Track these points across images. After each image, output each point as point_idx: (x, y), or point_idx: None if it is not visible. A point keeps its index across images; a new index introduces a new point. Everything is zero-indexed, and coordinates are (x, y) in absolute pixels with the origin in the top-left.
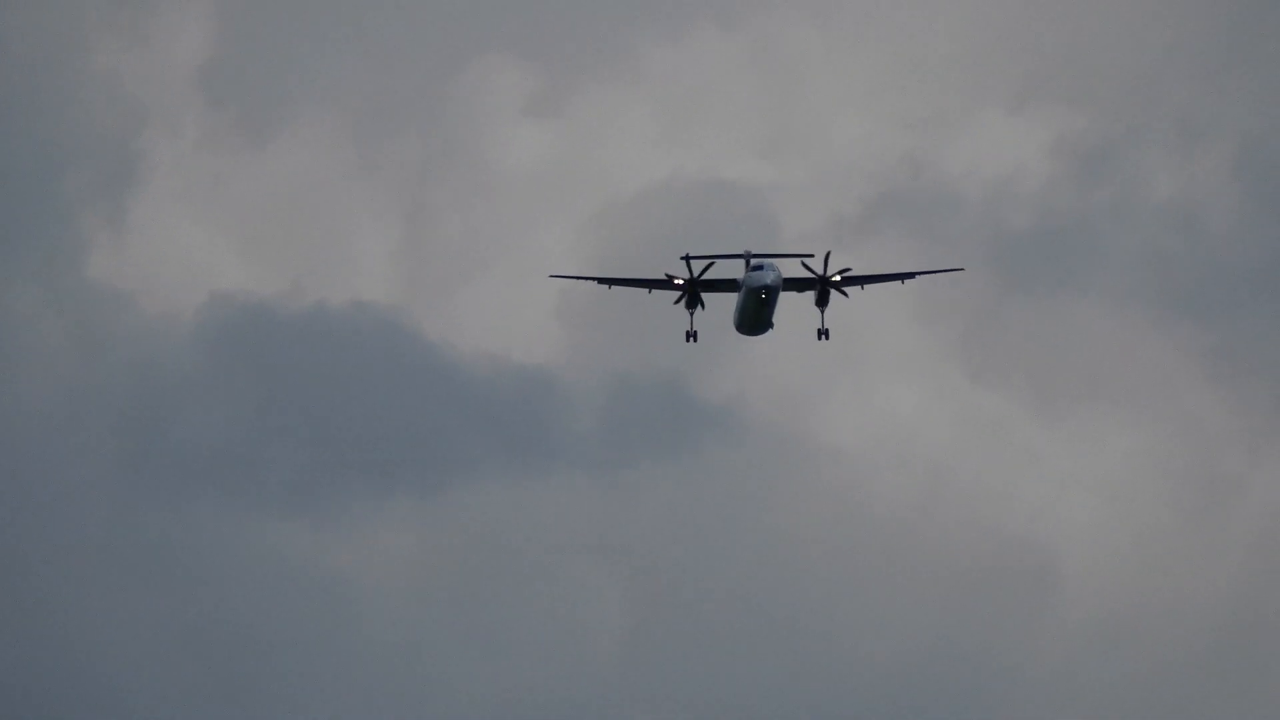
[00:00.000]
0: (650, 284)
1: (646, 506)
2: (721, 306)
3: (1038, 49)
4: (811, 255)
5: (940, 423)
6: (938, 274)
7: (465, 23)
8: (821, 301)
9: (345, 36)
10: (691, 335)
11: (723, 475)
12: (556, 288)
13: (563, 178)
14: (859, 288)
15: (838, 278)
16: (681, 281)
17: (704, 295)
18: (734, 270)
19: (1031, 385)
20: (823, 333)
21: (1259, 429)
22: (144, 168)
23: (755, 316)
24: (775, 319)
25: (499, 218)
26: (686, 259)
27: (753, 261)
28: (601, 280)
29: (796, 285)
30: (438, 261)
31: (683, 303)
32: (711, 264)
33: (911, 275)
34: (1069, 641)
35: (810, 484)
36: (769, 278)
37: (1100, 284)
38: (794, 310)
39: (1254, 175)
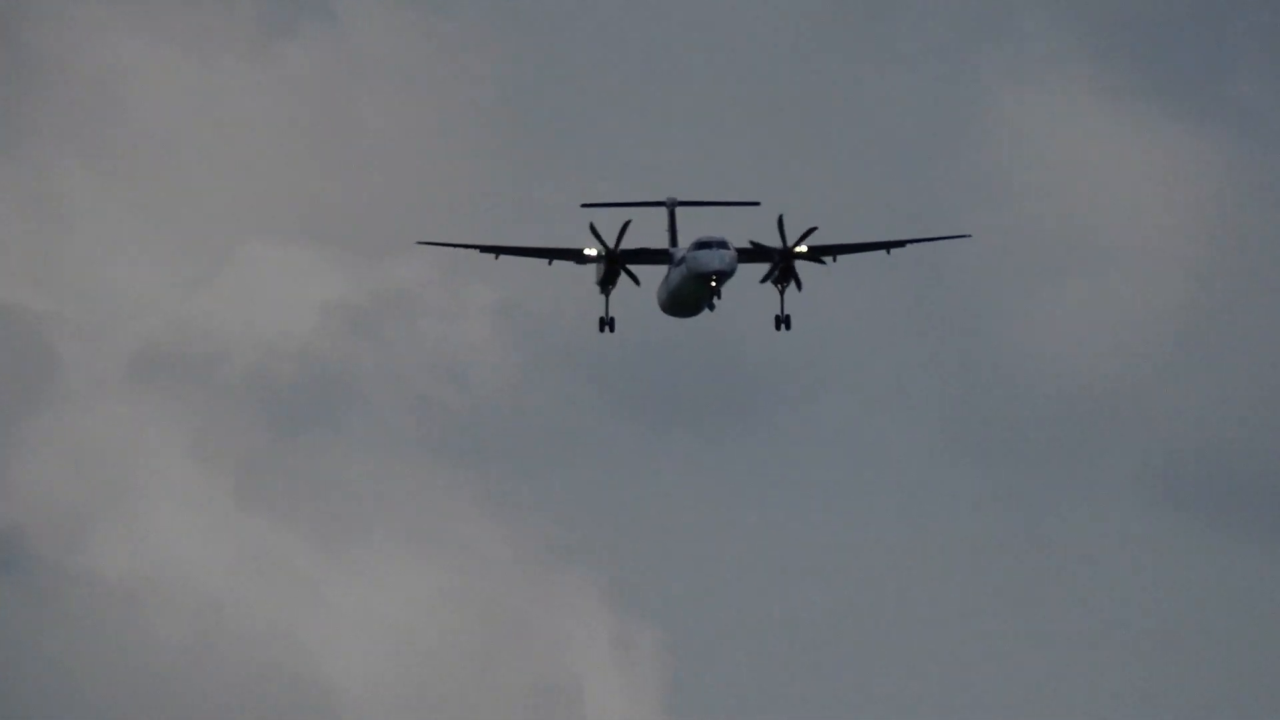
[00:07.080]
0: (553, 254)
1: None
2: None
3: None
4: (758, 204)
5: (216, 559)
6: (938, 241)
7: None
8: (783, 280)
9: None
10: (607, 323)
11: None
12: None
13: None
14: (832, 259)
15: (804, 248)
16: (596, 253)
17: (620, 269)
18: (654, 227)
19: (309, 522)
20: (782, 320)
21: (537, 565)
22: None
23: (695, 303)
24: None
25: None
26: (590, 213)
27: (697, 237)
28: (485, 249)
29: (749, 257)
30: None
31: (594, 279)
32: (629, 222)
33: (902, 244)
34: None
35: (76, 618)
36: (723, 261)
37: (371, 426)
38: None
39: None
